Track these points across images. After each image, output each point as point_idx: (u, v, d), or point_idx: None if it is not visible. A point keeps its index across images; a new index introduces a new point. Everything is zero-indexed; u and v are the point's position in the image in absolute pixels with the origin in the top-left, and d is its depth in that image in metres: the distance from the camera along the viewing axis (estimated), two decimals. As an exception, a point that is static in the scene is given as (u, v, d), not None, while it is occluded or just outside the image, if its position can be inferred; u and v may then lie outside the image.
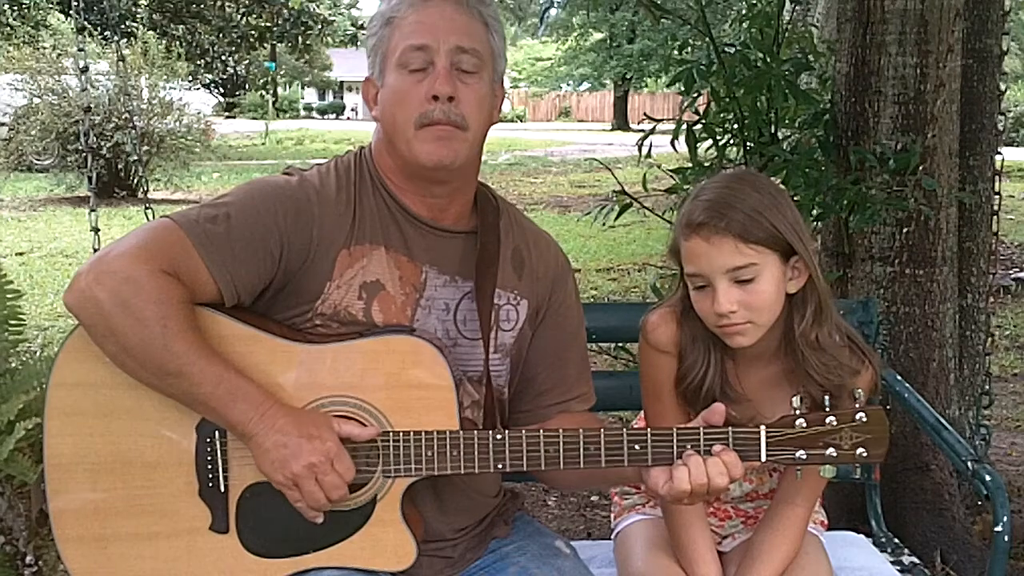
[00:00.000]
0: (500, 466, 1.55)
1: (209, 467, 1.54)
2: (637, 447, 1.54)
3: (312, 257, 1.59)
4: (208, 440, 1.53)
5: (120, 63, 8.19)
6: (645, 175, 3.26)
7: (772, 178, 2.86)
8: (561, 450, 1.55)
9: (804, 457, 1.56)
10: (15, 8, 21.55)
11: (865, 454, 1.56)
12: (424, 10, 1.60)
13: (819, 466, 1.57)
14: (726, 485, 1.52)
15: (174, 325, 1.45)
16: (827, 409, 1.57)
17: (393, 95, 1.61)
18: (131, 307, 1.44)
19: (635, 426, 1.95)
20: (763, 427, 1.55)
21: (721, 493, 1.56)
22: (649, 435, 1.55)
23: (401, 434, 1.53)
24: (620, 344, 3.32)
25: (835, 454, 1.56)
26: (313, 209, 1.60)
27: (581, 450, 1.54)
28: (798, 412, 1.56)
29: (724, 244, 1.67)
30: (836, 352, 1.75)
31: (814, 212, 3.08)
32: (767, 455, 1.55)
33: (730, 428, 1.55)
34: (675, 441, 1.54)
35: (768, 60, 3.19)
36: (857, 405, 1.57)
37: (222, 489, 1.54)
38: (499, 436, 1.54)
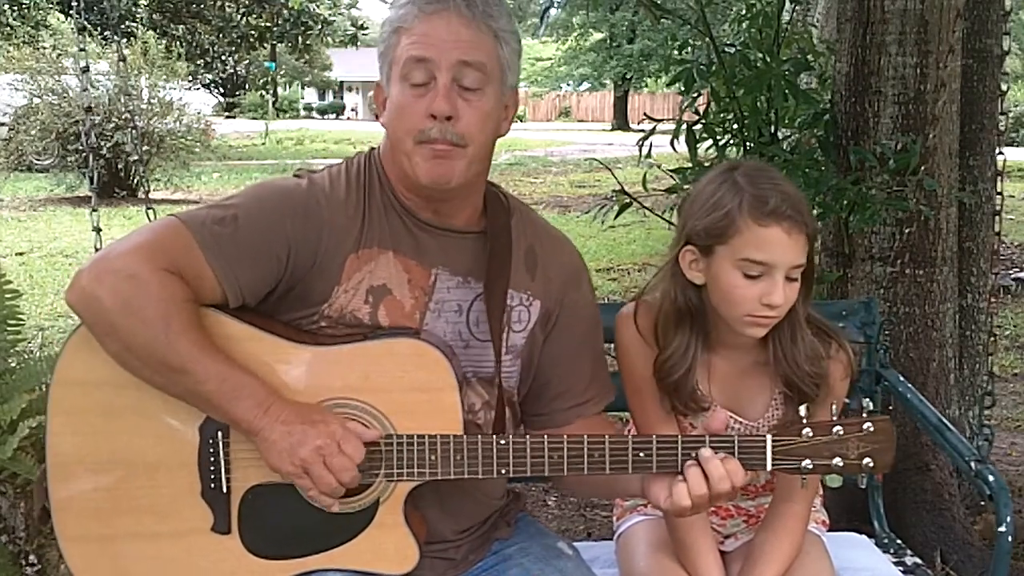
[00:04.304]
0: (503, 471, 1.54)
1: (211, 468, 1.54)
2: (642, 454, 1.54)
3: (319, 261, 1.58)
4: (211, 441, 1.53)
5: (120, 63, 8.18)
6: (645, 175, 3.25)
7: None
8: (565, 456, 1.54)
9: (810, 466, 1.55)
10: (15, 8, 21.53)
11: (871, 464, 1.55)
12: (430, 22, 1.56)
13: (825, 475, 1.57)
14: (728, 491, 1.52)
15: (177, 323, 1.44)
16: (833, 418, 1.56)
17: (395, 107, 1.59)
18: (133, 305, 1.44)
19: (627, 431, 1.96)
20: (769, 436, 1.55)
21: (725, 500, 1.55)
22: (655, 442, 1.54)
23: (404, 438, 1.53)
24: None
25: (841, 464, 1.55)
26: (322, 213, 1.59)
27: (585, 457, 1.54)
28: (805, 421, 1.55)
29: (800, 241, 1.71)
30: (810, 341, 1.80)
31: (814, 212, 3.08)
32: (773, 464, 1.54)
33: (736, 436, 1.54)
34: (680, 449, 1.53)
35: (768, 60, 3.19)
36: (864, 415, 1.57)
37: (224, 490, 1.54)
38: (503, 441, 1.54)
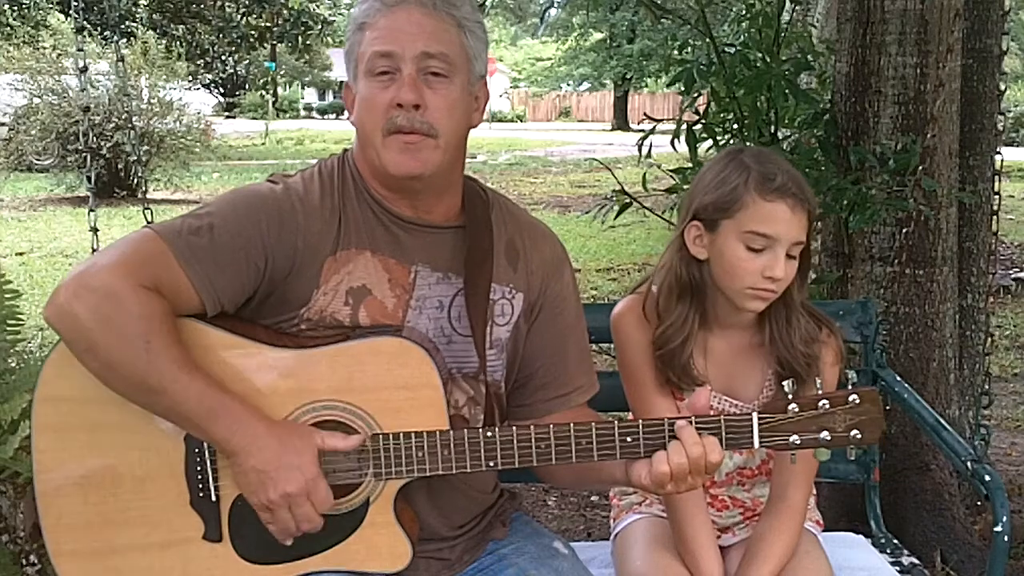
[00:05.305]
0: (492, 463, 1.54)
1: (199, 477, 1.53)
2: (629, 439, 1.53)
3: (297, 266, 1.57)
4: (197, 450, 1.52)
5: (120, 63, 8.18)
6: (645, 175, 3.26)
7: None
8: (552, 445, 1.53)
9: (798, 442, 1.55)
10: (15, 8, 21.56)
11: (859, 436, 1.55)
12: (392, 15, 1.57)
13: (813, 450, 1.57)
14: (701, 462, 1.49)
15: (157, 341, 1.43)
16: (819, 392, 1.56)
17: (362, 102, 1.59)
18: (113, 323, 1.42)
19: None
20: (755, 414, 1.54)
21: (707, 474, 1.54)
22: (641, 427, 1.53)
23: (391, 436, 1.53)
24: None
25: (829, 437, 1.55)
26: (298, 217, 1.58)
27: (573, 444, 1.53)
28: (790, 396, 1.55)
29: (802, 218, 1.79)
30: (805, 322, 1.87)
31: (814, 212, 3.08)
32: (760, 441, 1.54)
33: (722, 416, 1.54)
34: (666, 431, 1.52)
35: (768, 60, 3.19)
36: (850, 387, 1.57)
37: (213, 498, 1.53)
38: (489, 434, 1.54)
